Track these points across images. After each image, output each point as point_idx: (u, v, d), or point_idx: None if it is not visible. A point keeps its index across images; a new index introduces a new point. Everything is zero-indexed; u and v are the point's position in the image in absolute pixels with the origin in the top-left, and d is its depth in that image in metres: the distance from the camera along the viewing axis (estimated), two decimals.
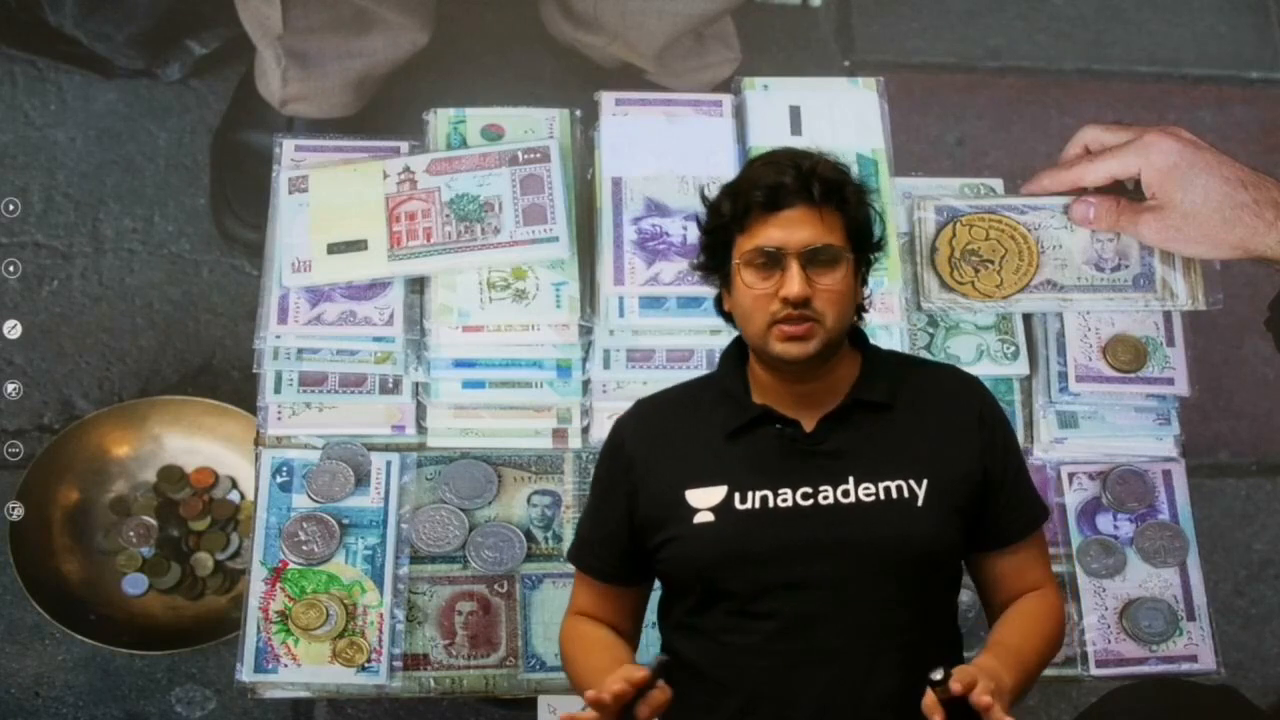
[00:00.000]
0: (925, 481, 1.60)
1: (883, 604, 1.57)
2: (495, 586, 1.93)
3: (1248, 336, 2.83)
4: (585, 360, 1.96)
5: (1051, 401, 1.99)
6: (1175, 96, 3.10)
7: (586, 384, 1.97)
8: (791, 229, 1.59)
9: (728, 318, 1.69)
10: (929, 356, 1.98)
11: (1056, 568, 1.98)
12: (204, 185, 2.78)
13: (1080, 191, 1.98)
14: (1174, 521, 2.00)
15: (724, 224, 1.63)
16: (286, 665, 1.87)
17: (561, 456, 1.99)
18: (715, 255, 1.65)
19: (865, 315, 1.70)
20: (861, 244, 1.64)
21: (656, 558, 1.64)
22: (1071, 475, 2.01)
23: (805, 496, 1.59)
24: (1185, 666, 1.94)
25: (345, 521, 1.93)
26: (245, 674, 1.87)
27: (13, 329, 2.55)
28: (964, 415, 1.67)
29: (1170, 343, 2.00)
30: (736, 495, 1.60)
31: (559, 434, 1.98)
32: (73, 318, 2.68)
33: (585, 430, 1.98)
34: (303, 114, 2.64)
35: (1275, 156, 3.00)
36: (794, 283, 1.57)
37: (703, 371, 1.93)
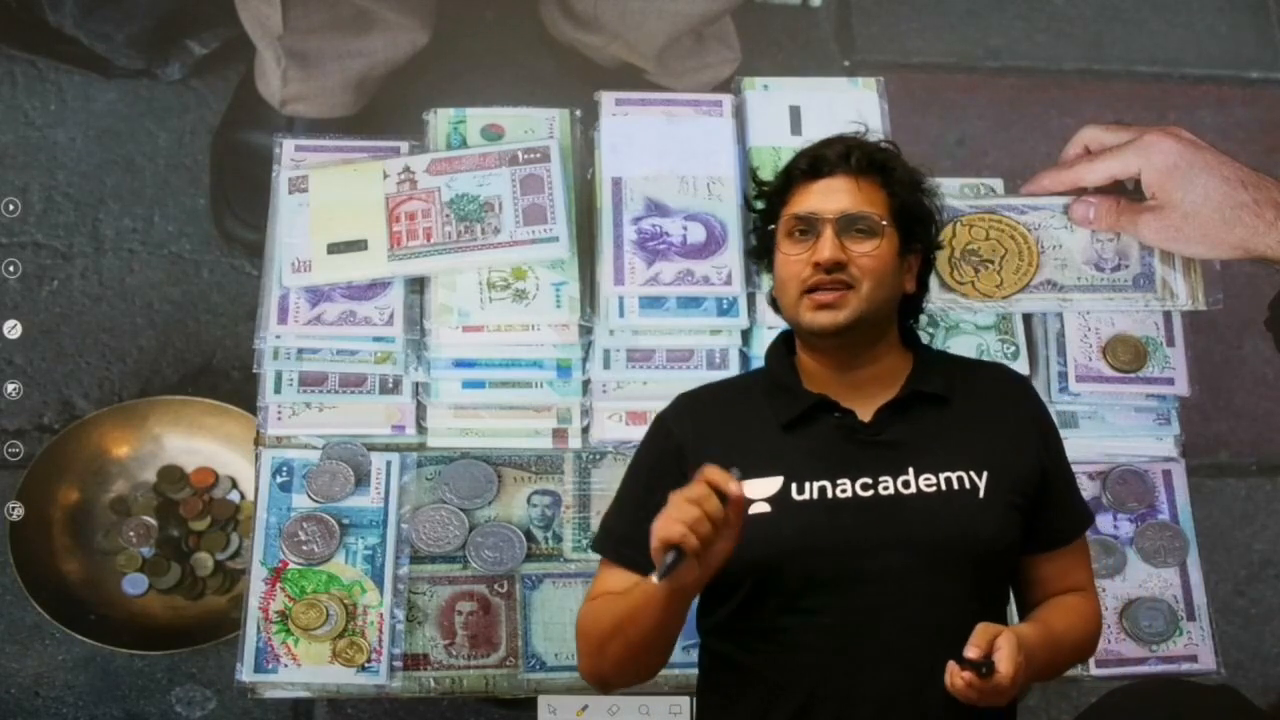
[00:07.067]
0: (985, 473, 1.57)
1: (944, 600, 1.53)
2: (495, 586, 1.93)
3: (1248, 336, 2.83)
4: (585, 360, 1.96)
5: (1051, 401, 1.98)
6: (1175, 96, 3.10)
7: (586, 384, 1.97)
8: (828, 196, 1.60)
9: (777, 307, 1.68)
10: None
11: None
12: (204, 185, 2.78)
13: (1080, 191, 1.98)
14: (1174, 521, 2.00)
15: (770, 199, 1.64)
16: (286, 665, 1.87)
17: (561, 456, 1.99)
18: (763, 238, 1.66)
19: (921, 315, 1.70)
20: (908, 226, 1.63)
21: None
22: None
23: (865, 487, 1.55)
24: (1185, 666, 1.94)
25: (345, 521, 1.93)
26: (245, 674, 1.87)
27: (13, 329, 2.55)
28: (1020, 413, 1.66)
29: (1170, 343, 2.00)
30: (794, 486, 1.54)
31: (559, 434, 1.98)
32: (73, 318, 2.68)
33: (585, 430, 1.97)
34: (303, 114, 2.64)
35: (1275, 156, 3.00)
36: (825, 247, 1.56)
37: (703, 372, 1.94)
